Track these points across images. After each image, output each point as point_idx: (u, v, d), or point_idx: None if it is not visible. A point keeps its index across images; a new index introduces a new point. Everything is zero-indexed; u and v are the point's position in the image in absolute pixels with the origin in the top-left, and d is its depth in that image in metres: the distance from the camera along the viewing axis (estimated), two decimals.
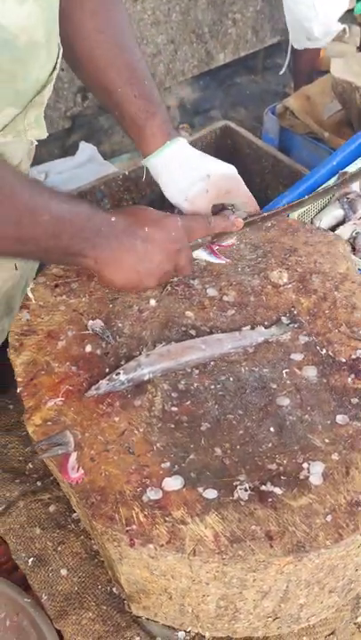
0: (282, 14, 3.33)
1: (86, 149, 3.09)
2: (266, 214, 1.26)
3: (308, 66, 3.44)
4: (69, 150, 3.21)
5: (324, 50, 3.64)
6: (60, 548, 1.07)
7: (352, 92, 2.45)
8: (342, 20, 3.97)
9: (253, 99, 3.77)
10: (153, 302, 1.16)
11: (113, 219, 1.06)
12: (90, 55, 1.17)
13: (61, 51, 1.08)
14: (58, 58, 1.07)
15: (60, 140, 3.31)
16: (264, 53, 3.87)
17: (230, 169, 1.23)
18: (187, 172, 1.19)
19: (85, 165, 3.04)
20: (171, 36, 3.32)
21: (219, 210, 1.25)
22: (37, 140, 1.12)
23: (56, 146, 3.31)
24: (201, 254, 1.22)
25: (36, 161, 3.04)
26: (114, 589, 1.05)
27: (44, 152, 3.21)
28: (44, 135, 1.10)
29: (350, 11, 3.98)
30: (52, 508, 1.11)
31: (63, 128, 3.27)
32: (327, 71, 2.78)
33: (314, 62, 3.49)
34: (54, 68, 1.06)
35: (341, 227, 1.53)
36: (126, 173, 2.45)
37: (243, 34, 3.62)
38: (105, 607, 1.02)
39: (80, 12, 1.15)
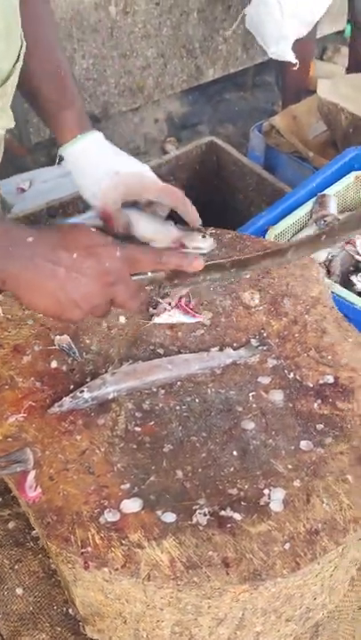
0: None
1: None
2: (235, 259, 1.08)
3: (297, 84, 3.46)
4: (55, 159, 3.20)
5: (314, 69, 3.67)
6: (16, 567, 1.05)
7: (337, 113, 2.47)
8: (332, 41, 4.01)
9: (242, 115, 3.78)
10: (122, 319, 1.15)
11: (30, 239, 0.94)
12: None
13: (24, 45, 1.08)
14: (21, 50, 1.07)
15: (46, 149, 3.30)
16: (254, 71, 3.88)
17: (141, 168, 1.16)
18: (97, 167, 1.13)
19: (70, 175, 3.03)
20: (161, 49, 3.33)
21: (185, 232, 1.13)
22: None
23: (42, 154, 3.30)
24: (175, 315, 1.16)
25: (22, 169, 3.04)
26: (70, 610, 1.03)
27: (29, 160, 3.21)
28: (12, 124, 1.10)
29: (340, 32, 4.02)
30: (11, 525, 1.09)
31: (50, 137, 3.26)
32: (315, 91, 2.80)
33: (303, 81, 3.51)
34: (17, 60, 1.06)
35: None
36: None
37: (233, 50, 3.64)
38: (59, 629, 1.01)
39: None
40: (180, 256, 1.02)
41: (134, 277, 0.98)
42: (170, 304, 1.17)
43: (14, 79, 1.07)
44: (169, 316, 1.16)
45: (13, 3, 1.02)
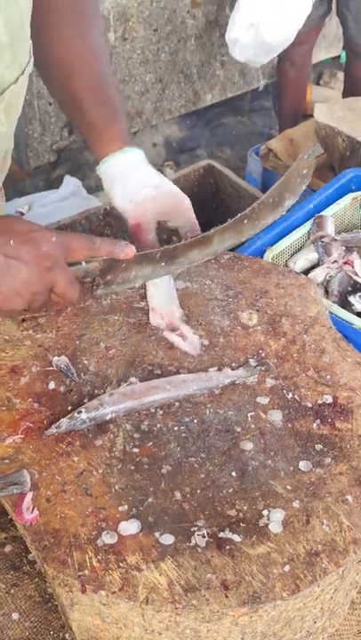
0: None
1: (70, 183, 3.10)
2: (164, 249, 1.11)
3: (294, 109, 3.50)
4: (54, 183, 3.22)
5: (310, 93, 3.71)
6: (12, 591, 1.03)
7: (334, 136, 2.49)
8: (328, 66, 4.07)
9: (239, 139, 3.82)
10: (118, 342, 1.15)
11: None
12: (63, 58, 1.17)
13: (32, 59, 1.12)
14: (27, 65, 1.11)
15: (45, 174, 3.33)
16: (251, 95, 3.93)
17: (180, 192, 1.17)
18: (138, 178, 1.15)
19: (69, 199, 3.05)
20: (159, 75, 3.37)
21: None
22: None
23: (41, 179, 3.33)
24: (171, 337, 1.16)
25: (21, 193, 3.06)
26: (67, 635, 1.01)
27: (28, 184, 3.23)
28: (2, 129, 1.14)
29: (336, 58, 4.08)
30: (7, 549, 1.08)
31: (48, 161, 3.29)
32: (312, 115, 2.83)
33: (300, 106, 3.55)
34: (22, 73, 1.09)
35: (315, 270, 1.53)
36: (108, 208, 2.46)
37: (230, 76, 3.69)
38: None
39: (57, 17, 1.17)
40: (112, 242, 1.05)
41: (70, 268, 1.00)
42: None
43: (17, 89, 1.10)
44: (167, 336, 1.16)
45: (18, 18, 1.05)
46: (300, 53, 3.31)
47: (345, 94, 3.48)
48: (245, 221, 1.10)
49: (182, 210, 1.16)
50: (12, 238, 0.95)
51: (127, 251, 1.05)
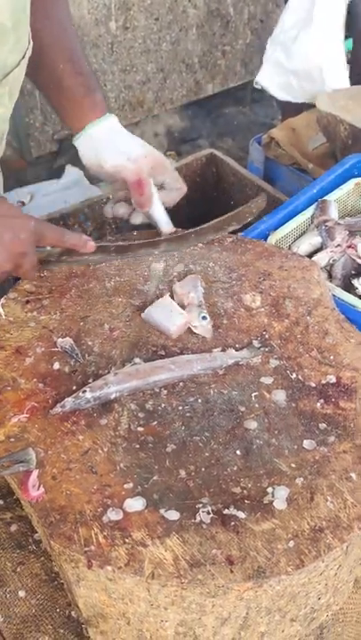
0: None
1: (73, 173, 3.10)
2: (119, 245, 1.26)
3: None
4: (56, 173, 3.21)
5: None
6: (19, 569, 1.04)
7: (336, 125, 2.48)
8: None
9: (241, 129, 3.80)
10: (122, 324, 1.15)
11: None
12: (35, 36, 1.20)
13: (32, 44, 1.15)
14: (27, 49, 1.14)
15: (47, 163, 3.32)
16: (252, 85, 3.92)
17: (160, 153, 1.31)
18: (126, 139, 1.27)
19: (71, 188, 3.05)
20: (160, 64, 3.36)
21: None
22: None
23: (43, 168, 3.32)
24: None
25: (23, 183, 3.06)
26: (72, 613, 1.02)
27: (30, 174, 3.22)
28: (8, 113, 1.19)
29: None
30: (13, 528, 1.09)
31: (50, 151, 3.28)
32: (314, 105, 2.82)
33: None
34: (23, 57, 1.13)
35: (319, 254, 1.53)
36: (110, 197, 2.45)
37: (232, 65, 3.67)
38: (62, 631, 1.00)
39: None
40: (78, 237, 1.16)
41: (39, 249, 1.11)
42: None
43: (18, 73, 1.13)
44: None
45: (22, 3, 1.07)
46: None
47: (352, 81, 3.46)
48: (192, 235, 1.29)
49: (167, 167, 1.31)
50: None
51: (89, 246, 1.15)
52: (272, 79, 2.94)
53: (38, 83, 1.30)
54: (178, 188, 1.34)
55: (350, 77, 3.52)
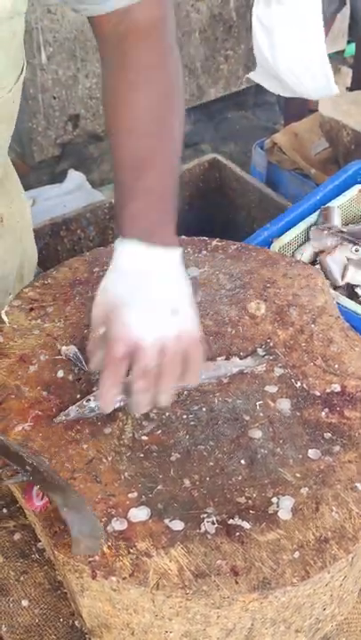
0: None
1: (75, 177, 3.11)
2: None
3: (299, 105, 3.49)
4: (58, 178, 3.22)
5: None
6: (22, 578, 1.04)
7: (339, 130, 2.49)
8: (332, 60, 4.04)
9: (243, 134, 3.81)
10: None
11: None
12: (121, 126, 1.02)
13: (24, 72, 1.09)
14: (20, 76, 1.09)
15: (49, 168, 3.33)
16: (255, 90, 3.92)
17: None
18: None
19: (74, 193, 3.05)
20: None
21: None
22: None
23: (45, 173, 3.33)
24: None
25: (25, 187, 3.06)
26: (76, 622, 1.01)
27: (32, 178, 3.23)
28: None
29: (340, 52, 4.07)
30: (16, 537, 1.08)
31: (53, 155, 3.29)
32: (317, 110, 2.83)
33: (304, 102, 3.54)
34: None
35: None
36: (112, 202, 2.45)
37: (234, 70, 3.68)
38: None
39: (119, 83, 1.02)
40: None
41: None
42: None
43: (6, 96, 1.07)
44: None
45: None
46: None
47: (352, 88, 3.46)
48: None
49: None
50: None
51: None
52: (263, 75, 2.89)
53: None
54: None
55: (353, 82, 3.53)
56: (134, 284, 0.91)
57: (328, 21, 3.21)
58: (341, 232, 1.57)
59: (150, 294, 0.91)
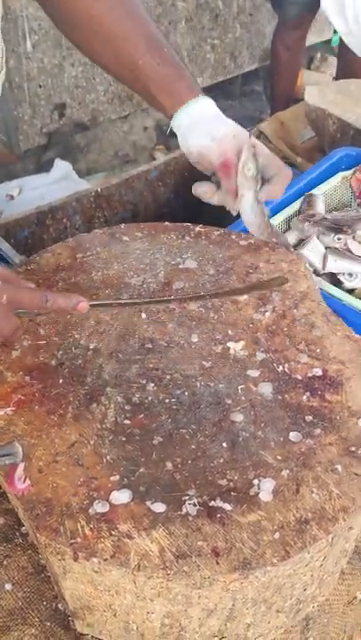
0: (260, 41, 3.38)
1: (61, 166, 3.09)
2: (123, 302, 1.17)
3: (286, 94, 3.49)
4: (44, 167, 3.21)
5: (302, 78, 3.70)
6: (5, 562, 1.04)
7: (325, 119, 2.48)
8: (319, 50, 4.06)
9: None
10: (109, 317, 1.15)
11: None
12: (105, 34, 1.16)
13: (3, 71, 1.11)
14: (2, 59, 1.11)
15: (35, 157, 3.32)
16: (242, 79, 3.92)
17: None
18: (217, 119, 1.19)
19: (60, 182, 3.04)
20: None
21: None
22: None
23: (31, 162, 3.32)
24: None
25: (11, 176, 3.05)
26: (59, 606, 1.02)
27: (18, 167, 3.22)
28: None
29: (327, 42, 4.06)
30: (0, 521, 1.09)
31: (39, 144, 3.27)
32: (303, 99, 2.82)
33: (291, 90, 3.54)
34: (1, 68, 1.11)
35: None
36: (99, 190, 2.45)
37: (221, 59, 3.67)
38: (49, 624, 1.00)
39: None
40: (64, 299, 1.01)
41: (20, 312, 1.01)
42: None
43: None
44: None
45: None
46: (294, 38, 3.29)
47: (337, 77, 3.47)
48: (208, 297, 1.18)
49: (260, 150, 1.18)
50: None
51: (80, 307, 1.02)
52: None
53: (121, 80, 1.25)
54: (278, 174, 1.20)
55: (337, 70, 3.54)
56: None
57: (311, 9, 3.22)
58: (324, 219, 1.57)
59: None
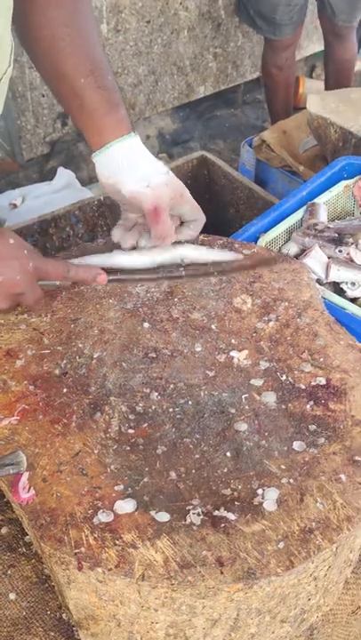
0: (262, 50, 3.39)
1: (64, 175, 3.09)
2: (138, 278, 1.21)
3: (286, 103, 3.49)
4: (47, 175, 3.21)
5: (303, 86, 3.71)
6: (9, 572, 1.04)
7: (327, 127, 2.49)
8: (320, 58, 4.06)
9: (232, 132, 3.82)
10: (113, 326, 1.16)
11: None
12: (53, 46, 1.15)
13: (11, 66, 1.10)
14: (6, 72, 1.09)
15: (38, 165, 3.33)
16: (244, 88, 3.93)
17: (180, 182, 1.22)
18: (148, 164, 1.18)
19: (63, 191, 3.04)
20: (152, 67, 3.37)
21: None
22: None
23: (34, 171, 3.32)
24: None
25: (14, 185, 3.06)
26: (63, 615, 1.02)
27: (22, 176, 3.22)
28: None
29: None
30: (3, 530, 1.09)
31: (42, 153, 3.28)
32: (305, 107, 2.83)
33: (290, 102, 3.54)
34: (9, 64, 1.09)
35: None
36: (101, 199, 2.45)
37: (223, 68, 3.68)
38: (53, 633, 1.00)
39: (44, 2, 1.13)
40: (86, 270, 1.12)
41: (43, 283, 1.09)
42: None
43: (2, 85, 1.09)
44: None
45: (5, 4, 1.02)
46: (285, 57, 3.29)
47: (328, 83, 3.47)
48: (211, 268, 1.22)
49: (186, 198, 1.21)
50: None
51: (100, 279, 1.12)
52: None
53: (59, 97, 1.23)
54: (196, 220, 1.25)
55: (326, 79, 3.54)
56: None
57: (299, 26, 3.23)
58: (327, 228, 1.57)
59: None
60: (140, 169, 1.17)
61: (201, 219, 1.25)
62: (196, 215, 1.24)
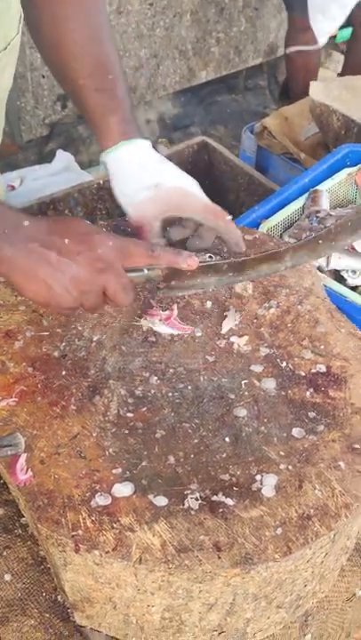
0: (265, 36, 3.37)
1: (63, 158, 3.08)
2: (232, 261, 1.06)
3: (304, 91, 3.45)
4: (46, 158, 3.19)
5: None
6: (5, 553, 1.04)
7: (329, 115, 2.48)
8: (325, 47, 4.03)
9: (233, 117, 3.80)
10: (112, 309, 1.15)
11: (26, 223, 0.93)
12: (57, 43, 1.13)
13: (19, 35, 1.10)
14: (12, 40, 1.09)
15: (37, 147, 3.30)
16: (246, 73, 3.90)
17: (186, 182, 1.13)
18: (137, 178, 1.11)
19: (62, 173, 3.02)
20: (154, 50, 3.34)
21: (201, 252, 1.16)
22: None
23: (33, 152, 3.30)
24: (159, 327, 1.13)
25: (13, 167, 3.04)
26: (59, 597, 1.02)
27: (20, 158, 3.20)
28: None
29: (332, 37, 4.05)
30: (0, 512, 1.08)
31: (41, 135, 3.26)
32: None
33: (307, 87, 3.50)
34: (5, 48, 1.08)
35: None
36: (101, 182, 2.43)
37: (225, 53, 3.65)
38: (48, 615, 1.00)
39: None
40: (174, 252, 1.00)
41: (130, 274, 0.97)
42: (160, 319, 1.14)
43: (9, 52, 1.09)
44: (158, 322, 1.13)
45: None
46: (306, 39, 3.25)
47: (343, 73, 3.44)
48: (320, 241, 1.03)
49: (191, 203, 1.12)
50: (68, 237, 0.94)
51: (190, 262, 0.99)
52: None
53: (68, 93, 1.22)
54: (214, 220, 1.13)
55: (344, 67, 3.52)
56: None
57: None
58: (329, 216, 1.56)
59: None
60: (129, 183, 1.11)
61: (211, 219, 1.13)
62: (209, 222, 1.13)
